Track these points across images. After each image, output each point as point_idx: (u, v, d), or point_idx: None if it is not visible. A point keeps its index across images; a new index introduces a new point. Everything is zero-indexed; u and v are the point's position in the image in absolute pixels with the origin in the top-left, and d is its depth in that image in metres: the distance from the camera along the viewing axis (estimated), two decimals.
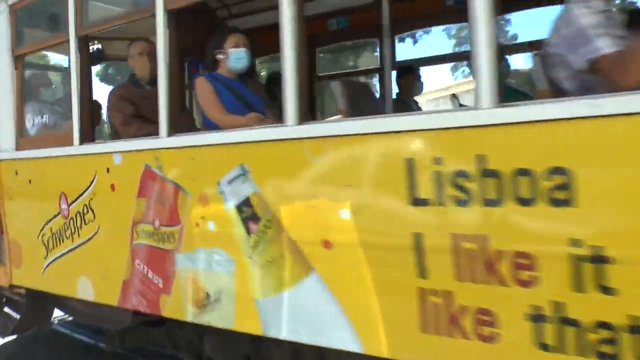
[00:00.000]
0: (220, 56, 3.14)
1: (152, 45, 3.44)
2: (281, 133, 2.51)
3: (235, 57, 3.10)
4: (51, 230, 3.73)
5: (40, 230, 3.82)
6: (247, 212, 2.65)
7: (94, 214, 3.40)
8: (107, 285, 3.38)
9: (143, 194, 3.12)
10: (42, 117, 3.87)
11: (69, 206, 3.57)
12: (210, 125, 3.06)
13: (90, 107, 3.46)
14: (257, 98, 3.17)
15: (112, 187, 3.27)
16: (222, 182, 2.72)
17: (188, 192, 2.88)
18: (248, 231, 2.65)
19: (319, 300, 2.48)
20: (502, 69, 4.16)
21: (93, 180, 3.38)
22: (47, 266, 3.82)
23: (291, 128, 2.48)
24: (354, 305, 2.39)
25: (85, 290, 3.54)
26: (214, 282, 2.83)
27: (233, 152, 2.69)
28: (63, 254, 3.67)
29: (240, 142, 2.66)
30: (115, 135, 3.54)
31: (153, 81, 3.33)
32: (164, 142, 2.96)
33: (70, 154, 3.51)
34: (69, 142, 3.50)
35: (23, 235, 3.99)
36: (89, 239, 3.46)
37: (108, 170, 3.28)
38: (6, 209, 4.08)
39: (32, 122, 3.90)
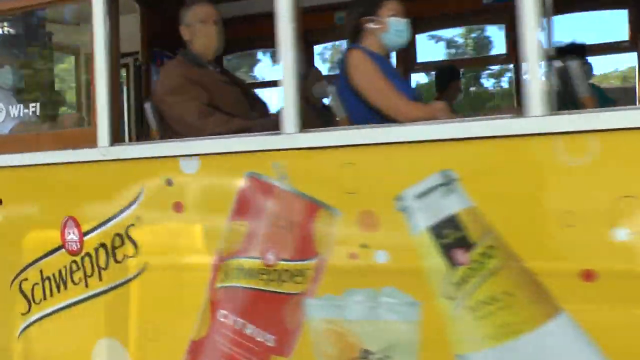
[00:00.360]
0: (372, 26, 2.33)
1: (219, 11, 2.52)
2: (520, 126, 1.81)
3: (395, 28, 2.31)
4: (41, 274, 2.56)
5: (16, 276, 2.62)
6: (452, 236, 1.89)
7: (135, 247, 2.35)
8: (158, 349, 2.35)
9: (242, 215, 2.19)
10: (15, 109, 2.67)
11: (81, 237, 2.46)
12: (361, 118, 2.23)
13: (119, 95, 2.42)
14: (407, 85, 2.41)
15: (177, 206, 2.27)
16: (405, 196, 1.93)
17: (337, 210, 2.03)
18: (452, 262, 1.89)
19: (569, 351, 1.81)
20: (586, 71, 3.88)
21: (138, 198, 2.34)
22: (25, 328, 2.62)
23: (536, 120, 1.80)
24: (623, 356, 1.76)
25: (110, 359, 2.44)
26: (379, 336, 2.00)
27: (428, 153, 1.92)
28: (65, 307, 2.52)
29: (441, 140, 1.90)
30: (168, 133, 2.50)
31: (217, 60, 2.41)
32: (292, 141, 2.08)
33: (91, 159, 2.41)
34: (88, 143, 2.40)
35: None
36: (124, 283, 2.39)
37: (170, 183, 2.27)
38: None
39: None
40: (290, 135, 2.09)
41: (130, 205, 2.34)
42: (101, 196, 2.42)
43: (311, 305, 2.12)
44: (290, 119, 2.09)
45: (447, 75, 3.99)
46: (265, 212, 2.16)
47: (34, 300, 2.59)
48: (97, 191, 2.43)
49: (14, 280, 2.62)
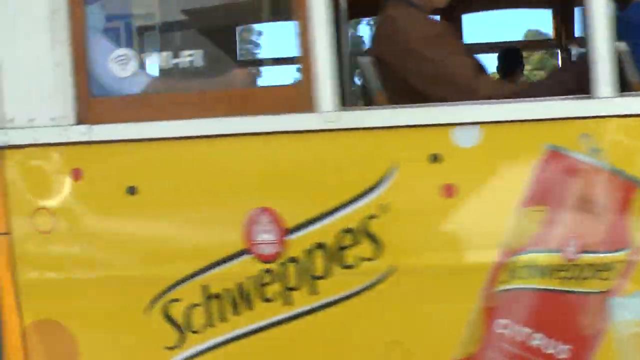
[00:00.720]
0: None
1: None
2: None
3: None
4: (204, 291, 1.81)
5: (158, 296, 1.82)
6: None
7: (377, 246, 1.76)
8: None
9: (539, 198, 1.74)
10: (154, 58, 1.85)
11: (282, 236, 1.78)
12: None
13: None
14: None
15: (447, 190, 1.74)
16: None
17: None
18: None
19: None
20: None
21: (384, 181, 1.75)
22: None
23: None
24: None
25: None
26: None
27: None
28: (248, 334, 1.81)
29: None
30: (398, 97, 1.89)
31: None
32: (606, 107, 1.70)
33: (306, 128, 1.75)
34: (295, 107, 1.74)
35: (85, 312, 1.85)
36: (355, 294, 1.78)
37: (436, 159, 1.73)
38: (21, 260, 1.84)
39: (117, 69, 1.83)
40: (605, 100, 1.72)
41: (371, 190, 1.75)
42: (320, 179, 1.78)
43: (618, 305, 1.77)
44: (604, 79, 1.71)
45: (513, 59, 3.85)
46: (569, 195, 1.75)
47: (190, 329, 1.83)
48: (313, 172, 1.79)
49: (154, 302, 1.83)
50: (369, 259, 1.77)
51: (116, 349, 1.87)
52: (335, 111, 1.74)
